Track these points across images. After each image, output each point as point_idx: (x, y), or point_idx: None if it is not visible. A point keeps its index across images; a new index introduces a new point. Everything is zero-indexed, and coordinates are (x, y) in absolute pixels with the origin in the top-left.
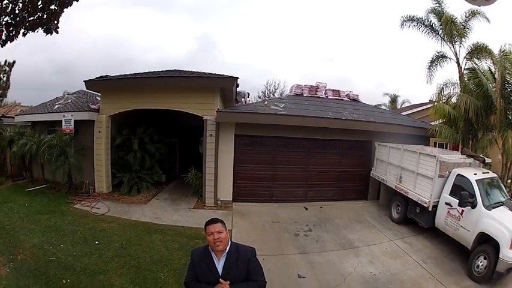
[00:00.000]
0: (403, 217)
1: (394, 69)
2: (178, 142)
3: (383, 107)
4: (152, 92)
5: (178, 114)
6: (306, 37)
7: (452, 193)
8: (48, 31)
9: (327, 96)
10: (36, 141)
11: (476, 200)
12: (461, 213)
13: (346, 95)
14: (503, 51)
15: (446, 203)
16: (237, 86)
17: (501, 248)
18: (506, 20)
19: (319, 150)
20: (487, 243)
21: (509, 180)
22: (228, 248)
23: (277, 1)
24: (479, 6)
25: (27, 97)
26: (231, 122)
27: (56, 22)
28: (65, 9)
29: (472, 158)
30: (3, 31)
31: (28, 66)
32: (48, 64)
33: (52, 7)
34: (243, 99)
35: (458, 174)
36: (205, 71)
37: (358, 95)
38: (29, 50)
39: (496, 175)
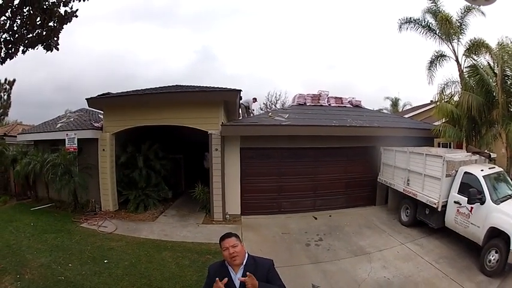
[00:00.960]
0: (413, 219)
1: (395, 72)
2: (183, 158)
3: (385, 111)
4: (155, 108)
5: (181, 129)
6: (305, 45)
7: (461, 191)
8: (48, 48)
9: (329, 104)
10: (39, 160)
11: (484, 196)
12: (471, 211)
13: (348, 102)
14: (501, 44)
15: (455, 202)
16: (240, 98)
17: None
18: (502, 13)
19: (325, 159)
20: (497, 237)
21: None
22: (245, 261)
23: (275, 11)
24: (479, 6)
25: (29, 114)
26: (236, 136)
27: (55, 39)
28: (64, 26)
29: (478, 155)
30: (2, 48)
31: (29, 83)
32: (49, 81)
33: (51, 24)
34: (247, 107)
35: (466, 172)
36: (207, 84)
37: (360, 101)
38: (30, 66)
39: (501, 169)
